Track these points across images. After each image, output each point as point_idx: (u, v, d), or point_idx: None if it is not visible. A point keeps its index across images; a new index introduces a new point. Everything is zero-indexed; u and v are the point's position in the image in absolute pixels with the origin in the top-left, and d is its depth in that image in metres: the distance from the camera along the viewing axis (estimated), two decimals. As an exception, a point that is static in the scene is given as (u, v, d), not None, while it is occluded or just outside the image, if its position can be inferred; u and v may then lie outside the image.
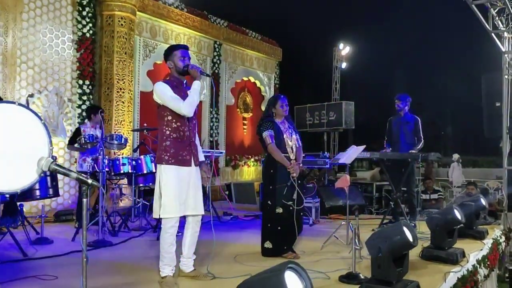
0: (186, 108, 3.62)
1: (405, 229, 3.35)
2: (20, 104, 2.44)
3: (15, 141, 2.34)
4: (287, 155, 4.66)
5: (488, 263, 4.99)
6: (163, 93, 3.61)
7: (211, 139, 10.95)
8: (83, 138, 6.00)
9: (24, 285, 3.61)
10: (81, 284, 2.30)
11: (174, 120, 3.66)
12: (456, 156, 12.95)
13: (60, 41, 7.84)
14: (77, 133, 6.42)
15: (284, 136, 4.70)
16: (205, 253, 4.62)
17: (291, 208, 4.61)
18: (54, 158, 5.97)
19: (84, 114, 7.77)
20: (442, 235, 4.55)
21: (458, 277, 4.01)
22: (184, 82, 3.82)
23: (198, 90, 3.72)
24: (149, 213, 6.69)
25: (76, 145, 6.28)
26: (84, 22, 8.12)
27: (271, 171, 4.66)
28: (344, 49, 16.63)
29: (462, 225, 4.77)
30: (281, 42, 13.94)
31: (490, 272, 5.10)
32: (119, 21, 8.35)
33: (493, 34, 7.26)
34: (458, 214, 4.69)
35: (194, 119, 3.82)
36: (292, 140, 4.75)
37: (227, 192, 10.15)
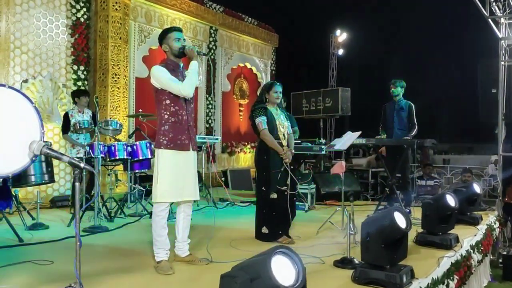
0: (185, 89, 3.59)
1: (396, 214, 3.34)
2: (10, 87, 2.41)
3: (6, 124, 2.31)
4: (279, 141, 4.70)
5: (481, 248, 5.03)
6: (161, 76, 3.56)
7: (207, 125, 10.94)
8: (77, 124, 5.96)
9: (20, 270, 3.61)
10: (75, 267, 2.30)
11: (172, 104, 3.63)
12: None
13: (54, 26, 7.76)
14: (66, 119, 6.43)
15: (277, 122, 4.73)
16: (202, 237, 4.64)
17: (285, 193, 4.65)
18: (49, 144, 5.99)
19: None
20: (433, 220, 4.57)
21: (451, 262, 4.04)
22: (181, 65, 3.79)
23: (196, 70, 3.68)
24: (145, 198, 6.72)
25: (69, 133, 6.30)
26: (78, 7, 8.05)
27: (264, 157, 4.70)
28: (341, 35, 16.58)
29: (454, 211, 4.79)
30: (277, 28, 13.84)
31: (483, 258, 5.15)
32: (113, 5, 8.27)
33: (490, 20, 7.20)
34: (450, 200, 4.71)
35: (191, 103, 3.79)
36: (284, 127, 4.79)
37: (223, 179, 10.17)
